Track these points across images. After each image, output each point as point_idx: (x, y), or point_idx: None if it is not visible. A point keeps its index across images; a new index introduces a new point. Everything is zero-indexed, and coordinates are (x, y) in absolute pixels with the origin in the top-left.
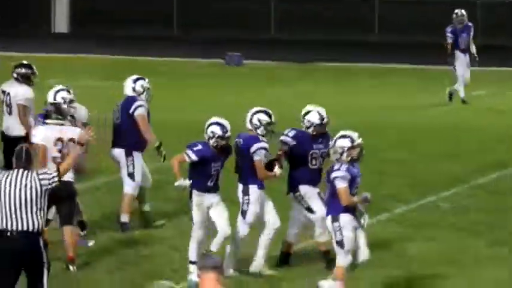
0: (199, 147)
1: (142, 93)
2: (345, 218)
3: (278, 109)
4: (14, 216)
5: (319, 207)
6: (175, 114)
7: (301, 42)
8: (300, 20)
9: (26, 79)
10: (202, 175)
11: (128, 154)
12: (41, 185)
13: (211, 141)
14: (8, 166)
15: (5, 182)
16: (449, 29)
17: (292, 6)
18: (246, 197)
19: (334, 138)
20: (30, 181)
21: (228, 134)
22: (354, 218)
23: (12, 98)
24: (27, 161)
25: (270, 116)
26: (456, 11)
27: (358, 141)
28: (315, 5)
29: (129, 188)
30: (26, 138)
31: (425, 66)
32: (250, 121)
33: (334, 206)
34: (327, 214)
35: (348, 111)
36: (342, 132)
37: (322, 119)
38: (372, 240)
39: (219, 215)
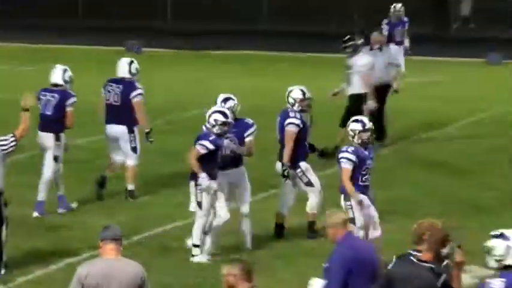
0: (212, 136)
1: (136, 75)
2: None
3: (168, 94)
4: None
5: (317, 181)
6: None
7: (198, 31)
8: (197, 10)
9: None
10: (213, 162)
11: (130, 131)
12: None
13: (215, 129)
14: None
15: None
16: (385, 21)
17: None
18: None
19: (348, 122)
20: None
21: (230, 120)
22: (367, 197)
23: None
24: None
25: (225, 116)
26: (394, 5)
27: (369, 125)
28: None
29: (132, 160)
30: None
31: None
32: (208, 120)
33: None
34: (341, 193)
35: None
36: (354, 117)
37: (304, 94)
38: None
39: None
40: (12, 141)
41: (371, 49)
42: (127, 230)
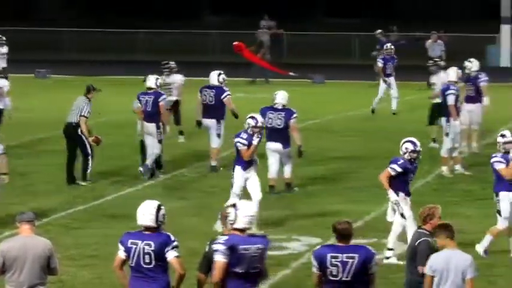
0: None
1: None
2: (503, 194)
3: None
4: None
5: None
6: None
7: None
8: None
9: None
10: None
11: (218, 122)
12: None
13: (249, 130)
14: None
15: None
16: (381, 56)
17: None
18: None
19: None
20: None
21: (260, 124)
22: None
23: None
24: None
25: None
26: (387, 44)
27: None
28: None
29: (217, 143)
30: None
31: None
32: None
33: (496, 184)
34: (494, 191)
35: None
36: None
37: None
38: None
39: (254, 184)
40: None
41: None
42: None
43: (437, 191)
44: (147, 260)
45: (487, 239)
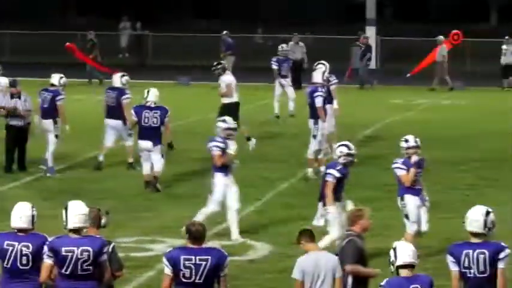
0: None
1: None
2: (408, 197)
3: None
4: None
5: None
6: None
7: None
8: None
9: None
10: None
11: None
12: None
13: (221, 134)
14: None
15: None
16: (274, 58)
17: None
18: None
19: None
20: None
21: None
22: (419, 198)
23: None
24: None
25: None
26: (282, 45)
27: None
28: None
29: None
30: None
31: None
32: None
33: (400, 189)
34: (398, 195)
35: None
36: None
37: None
38: None
39: (233, 193)
40: None
41: None
42: None
43: (302, 194)
44: (24, 262)
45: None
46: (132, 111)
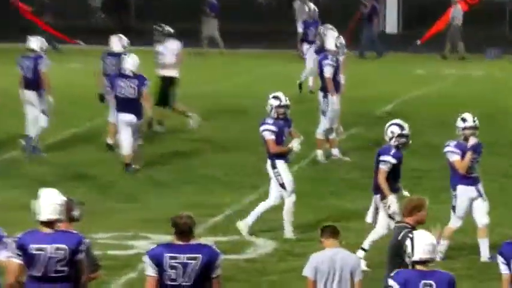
0: (271, 121)
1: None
2: (462, 189)
3: None
4: None
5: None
6: None
7: None
8: None
9: None
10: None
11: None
12: None
13: (272, 113)
14: None
15: None
16: (301, 20)
17: None
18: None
19: None
20: None
21: (285, 102)
22: (474, 189)
23: None
24: None
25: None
26: (310, 5)
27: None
28: None
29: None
30: None
31: None
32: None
33: (453, 176)
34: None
35: None
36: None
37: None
38: None
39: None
40: None
41: None
42: None
43: (311, 180)
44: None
45: (444, 245)
46: (105, 80)
